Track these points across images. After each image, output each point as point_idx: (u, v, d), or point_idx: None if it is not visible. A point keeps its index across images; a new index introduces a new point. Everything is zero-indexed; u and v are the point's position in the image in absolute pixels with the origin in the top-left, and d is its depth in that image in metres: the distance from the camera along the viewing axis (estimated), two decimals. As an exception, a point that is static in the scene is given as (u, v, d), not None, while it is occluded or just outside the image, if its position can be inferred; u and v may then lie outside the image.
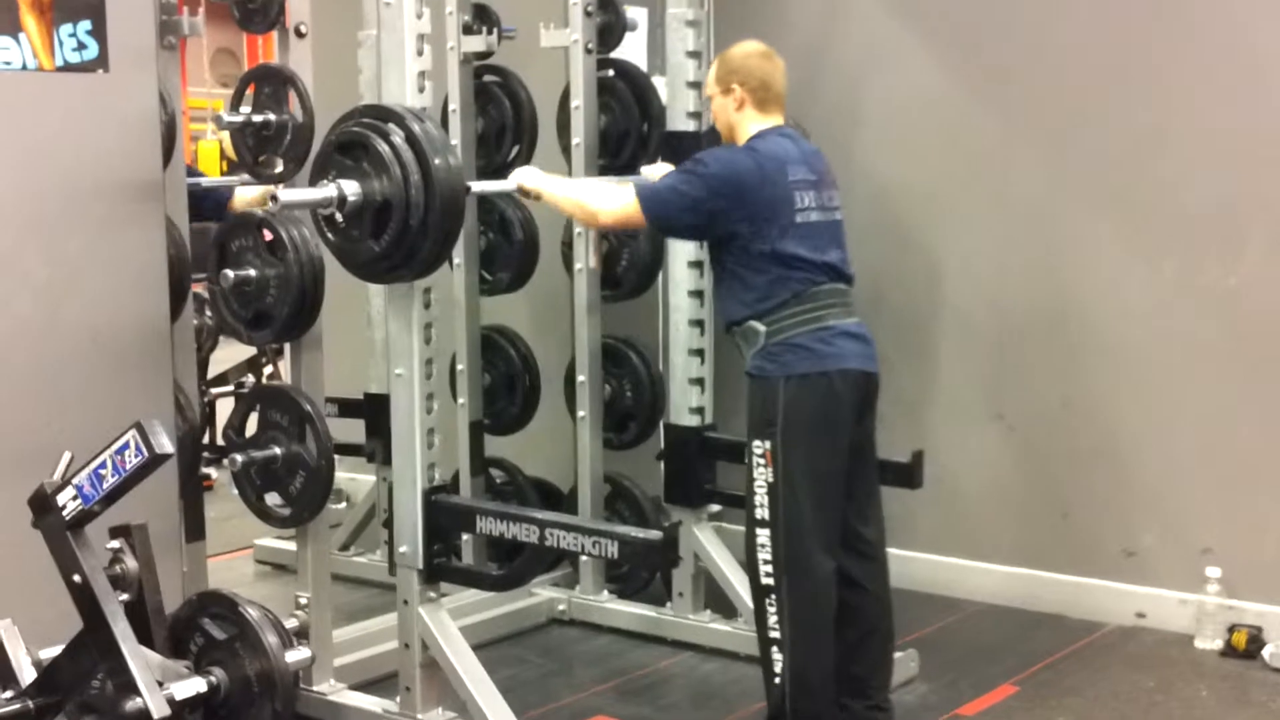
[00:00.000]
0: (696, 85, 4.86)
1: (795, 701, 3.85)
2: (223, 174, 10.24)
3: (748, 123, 4.05)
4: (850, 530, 3.98)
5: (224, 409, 5.66)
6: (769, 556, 3.87)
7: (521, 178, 4.27)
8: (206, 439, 6.25)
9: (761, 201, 3.87)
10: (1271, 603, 4.81)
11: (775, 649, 3.87)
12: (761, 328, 3.89)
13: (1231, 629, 4.82)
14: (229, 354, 6.80)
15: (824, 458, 3.87)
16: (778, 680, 3.86)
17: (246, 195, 5.12)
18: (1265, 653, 4.72)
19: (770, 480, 3.85)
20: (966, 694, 4.50)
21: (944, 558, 5.45)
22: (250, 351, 6.78)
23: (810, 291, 3.89)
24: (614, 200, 4.07)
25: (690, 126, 4.86)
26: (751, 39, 4.19)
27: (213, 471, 6.34)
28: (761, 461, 3.87)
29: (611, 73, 5.16)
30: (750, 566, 3.93)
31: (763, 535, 3.87)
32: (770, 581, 3.87)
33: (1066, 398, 5.22)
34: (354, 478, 6.48)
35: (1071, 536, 5.25)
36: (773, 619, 3.87)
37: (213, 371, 6.74)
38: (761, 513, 3.87)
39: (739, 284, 3.93)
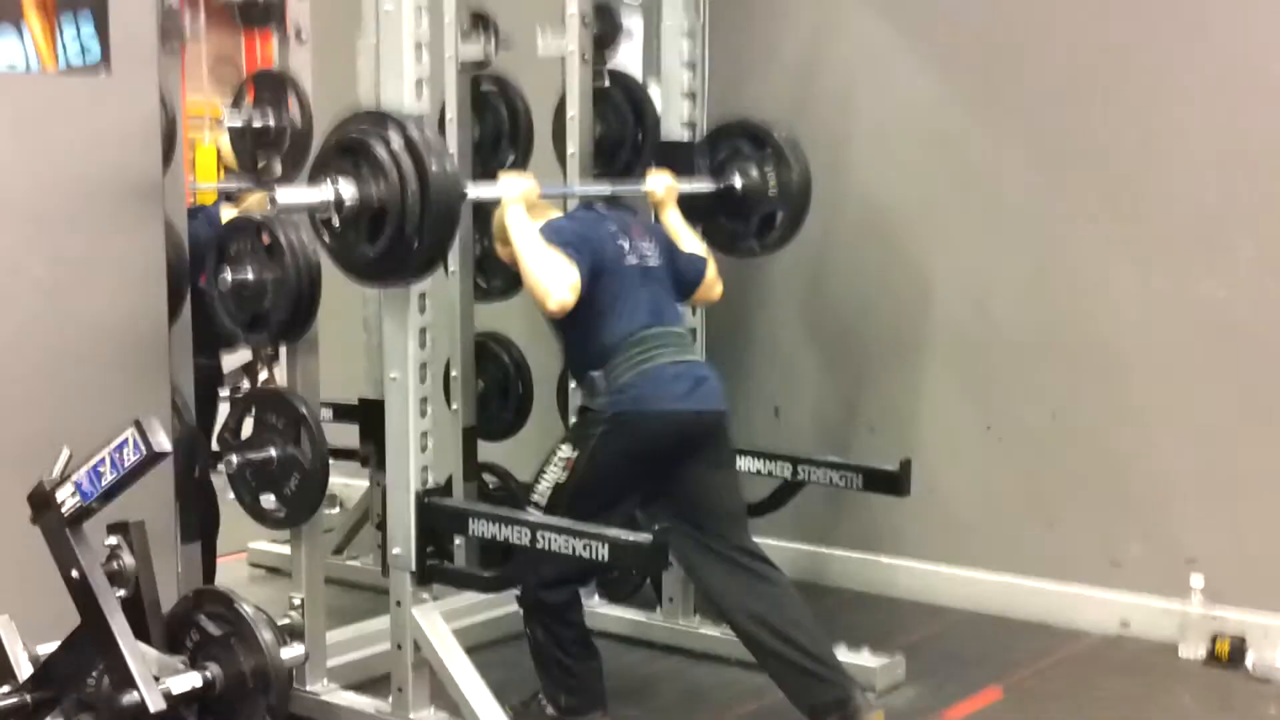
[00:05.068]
0: (691, 95, 4.92)
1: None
2: (219, 179, 10.23)
3: None
4: (737, 546, 4.20)
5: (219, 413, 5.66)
6: None
7: (505, 192, 4.14)
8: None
9: (598, 251, 4.04)
10: (1254, 612, 4.85)
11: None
12: (599, 374, 4.05)
13: (1215, 638, 4.86)
14: (224, 360, 6.80)
15: (615, 491, 4.08)
16: None
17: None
18: (1248, 661, 4.77)
19: (560, 482, 4.03)
20: (952, 698, 4.54)
21: (931, 565, 5.50)
22: (246, 357, 6.79)
23: (639, 335, 4.06)
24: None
25: (684, 136, 4.90)
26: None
27: (208, 475, 6.35)
28: (562, 464, 4.04)
29: (607, 82, 5.20)
30: None
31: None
32: None
33: (1055, 409, 5.26)
34: (348, 483, 6.50)
35: (1057, 545, 5.29)
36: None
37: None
38: (540, 499, 4.05)
39: (584, 337, 4.09)
